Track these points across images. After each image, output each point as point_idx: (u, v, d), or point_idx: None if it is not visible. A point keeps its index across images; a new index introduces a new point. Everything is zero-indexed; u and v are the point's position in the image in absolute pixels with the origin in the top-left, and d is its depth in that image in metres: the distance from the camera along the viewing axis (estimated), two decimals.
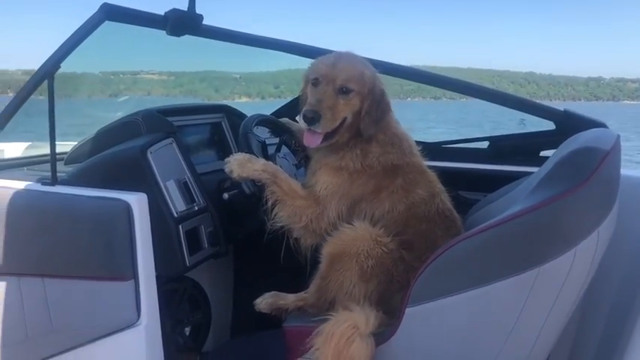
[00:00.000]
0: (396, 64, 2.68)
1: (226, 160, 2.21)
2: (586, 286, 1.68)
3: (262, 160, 2.18)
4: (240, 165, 2.15)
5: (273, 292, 2.22)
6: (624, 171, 1.81)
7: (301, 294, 2.17)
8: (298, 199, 2.12)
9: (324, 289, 2.06)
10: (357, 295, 1.98)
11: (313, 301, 2.10)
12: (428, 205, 2.09)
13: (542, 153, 2.73)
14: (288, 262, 2.19)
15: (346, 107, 2.09)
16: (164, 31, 2.31)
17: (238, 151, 2.24)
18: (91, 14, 2.08)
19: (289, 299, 2.18)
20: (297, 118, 2.69)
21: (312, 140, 2.08)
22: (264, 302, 2.19)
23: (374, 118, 2.10)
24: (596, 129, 2.13)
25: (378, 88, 2.13)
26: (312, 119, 2.03)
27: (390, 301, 1.97)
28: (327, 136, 2.10)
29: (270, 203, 2.13)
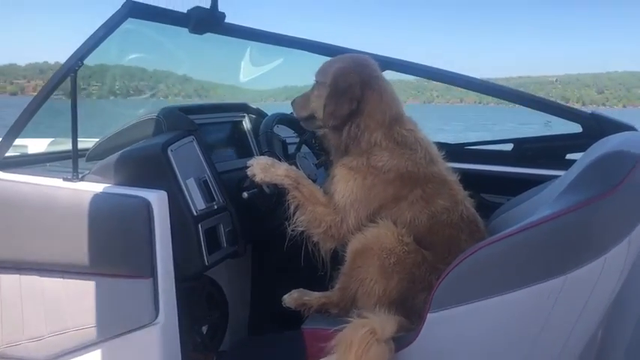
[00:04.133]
0: (402, 60, 2.66)
1: (249, 162, 2.21)
2: (615, 294, 1.63)
3: (285, 165, 2.18)
4: (263, 169, 2.15)
5: (299, 289, 2.20)
6: None
7: (326, 292, 2.16)
8: (319, 206, 2.11)
9: (347, 286, 2.04)
10: (377, 292, 1.96)
11: (337, 300, 2.09)
12: (451, 213, 2.05)
13: (569, 156, 2.67)
14: (307, 263, 2.18)
15: (315, 98, 2.21)
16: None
17: (259, 150, 2.24)
18: (115, 11, 2.08)
19: (314, 296, 2.16)
20: None
21: None
22: (290, 297, 2.17)
23: (329, 110, 2.10)
24: (626, 132, 2.08)
25: (343, 82, 2.09)
26: (292, 104, 2.35)
27: (413, 301, 1.94)
28: (310, 119, 2.27)
29: (291, 208, 2.13)
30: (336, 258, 2.19)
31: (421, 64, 2.75)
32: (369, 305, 1.95)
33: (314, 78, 2.24)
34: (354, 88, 2.08)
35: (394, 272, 1.95)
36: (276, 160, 2.20)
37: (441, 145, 2.27)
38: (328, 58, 2.30)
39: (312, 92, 2.23)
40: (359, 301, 2.00)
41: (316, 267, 2.20)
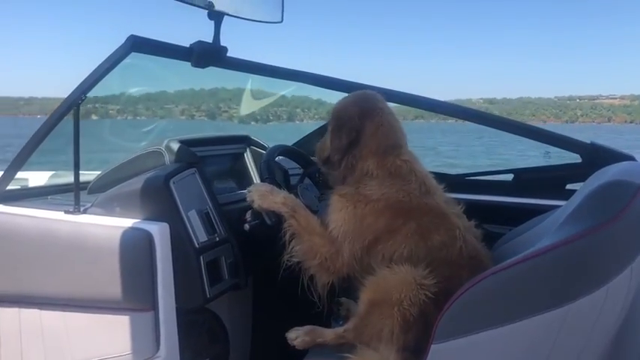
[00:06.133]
0: (405, 93, 2.68)
1: (248, 188, 2.22)
2: (619, 323, 1.61)
3: (284, 193, 2.18)
4: (261, 196, 2.16)
5: (308, 328, 2.13)
6: None
7: (340, 331, 2.09)
8: (315, 236, 2.09)
9: (361, 331, 1.98)
10: (396, 344, 1.88)
11: (352, 340, 2.02)
12: (449, 249, 1.98)
13: (569, 186, 2.68)
14: (305, 297, 2.16)
15: (327, 140, 2.23)
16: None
17: (260, 178, 2.25)
18: (118, 46, 2.11)
19: (328, 337, 2.10)
20: None
21: None
22: (300, 340, 2.10)
23: (334, 145, 2.14)
24: (625, 162, 2.09)
25: (343, 117, 2.13)
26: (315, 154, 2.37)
27: (424, 344, 1.89)
28: (329, 165, 2.25)
29: (287, 236, 2.12)
30: (334, 290, 2.17)
31: (419, 96, 2.76)
32: None
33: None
34: (353, 120, 2.10)
35: (414, 323, 1.88)
36: (275, 188, 2.20)
37: (441, 176, 2.28)
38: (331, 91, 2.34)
39: (327, 136, 2.26)
40: (373, 346, 1.94)
41: (311, 299, 2.17)
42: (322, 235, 2.09)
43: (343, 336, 2.07)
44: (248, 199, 2.18)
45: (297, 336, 2.11)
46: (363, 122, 2.10)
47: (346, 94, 2.31)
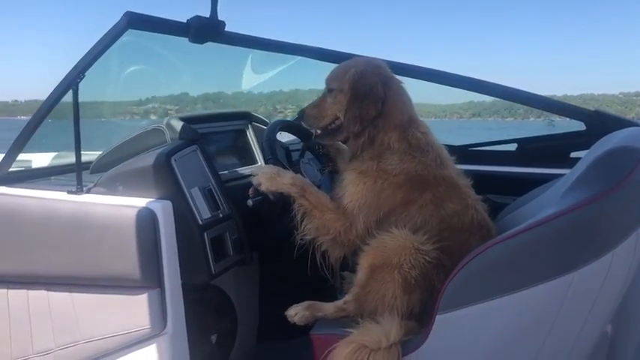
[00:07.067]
0: (411, 65, 2.64)
1: (254, 171, 2.21)
2: (624, 289, 1.62)
3: (290, 173, 2.16)
4: (268, 178, 2.14)
5: (307, 303, 2.12)
6: None
7: (340, 304, 2.09)
8: (327, 212, 2.08)
9: (364, 299, 1.99)
10: (400, 308, 1.90)
11: (354, 311, 2.03)
12: (461, 217, 2.01)
13: (573, 154, 2.66)
14: (314, 271, 2.16)
15: (332, 105, 2.16)
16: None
17: (263, 158, 2.23)
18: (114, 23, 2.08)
19: (328, 310, 2.09)
20: None
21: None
22: (299, 315, 2.09)
23: (355, 114, 2.05)
24: (629, 128, 2.07)
25: (364, 85, 2.06)
26: (298, 117, 2.27)
27: (429, 311, 1.90)
28: (329, 132, 2.21)
29: (298, 216, 2.11)
30: (343, 264, 2.17)
31: (424, 67, 2.72)
32: None
33: (325, 85, 2.21)
34: (377, 89, 2.05)
35: (416, 286, 1.90)
36: (282, 169, 2.18)
37: (445, 148, 2.27)
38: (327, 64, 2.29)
39: (324, 100, 2.19)
40: (378, 315, 1.94)
41: (323, 275, 2.18)
42: (334, 210, 2.08)
43: (344, 308, 2.07)
44: (255, 182, 2.17)
45: (297, 312, 2.10)
46: (386, 92, 2.07)
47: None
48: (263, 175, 2.15)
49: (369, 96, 2.04)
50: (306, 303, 2.12)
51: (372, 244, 1.99)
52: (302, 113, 2.25)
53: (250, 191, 2.33)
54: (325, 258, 2.13)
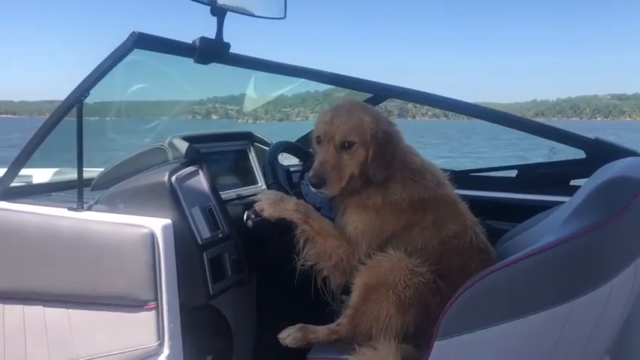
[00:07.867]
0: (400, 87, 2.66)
1: (257, 197, 2.23)
2: (623, 318, 1.61)
3: (293, 199, 2.17)
4: (271, 204, 2.15)
5: (299, 326, 2.12)
6: None
7: (332, 326, 2.08)
8: (330, 238, 2.10)
9: (358, 320, 1.99)
10: (394, 327, 1.92)
11: (347, 334, 2.03)
12: (461, 239, 2.04)
13: (573, 182, 2.67)
14: (315, 294, 2.16)
15: (351, 161, 2.08)
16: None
17: (265, 183, 2.24)
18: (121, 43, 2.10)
19: (320, 333, 2.08)
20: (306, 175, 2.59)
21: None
22: (291, 337, 2.08)
23: (382, 162, 2.06)
24: (629, 157, 2.08)
25: (382, 131, 2.08)
26: (318, 184, 2.05)
27: (426, 333, 1.90)
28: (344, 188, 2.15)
29: (301, 242, 2.12)
30: (343, 289, 2.17)
31: (420, 91, 2.73)
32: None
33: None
34: (394, 135, 2.12)
35: (411, 306, 1.92)
36: (285, 195, 2.20)
37: (445, 172, 2.28)
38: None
39: (338, 157, 2.07)
40: (373, 337, 1.95)
41: (322, 298, 2.17)
42: (337, 236, 2.10)
43: (336, 331, 2.06)
44: (258, 207, 2.18)
45: (289, 334, 2.09)
46: (397, 137, 2.14)
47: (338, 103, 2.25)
48: (266, 200, 2.16)
49: (389, 143, 2.08)
50: (298, 325, 2.12)
51: (367, 264, 2.00)
52: (322, 180, 2.06)
53: (250, 211, 2.33)
54: (326, 282, 2.13)
